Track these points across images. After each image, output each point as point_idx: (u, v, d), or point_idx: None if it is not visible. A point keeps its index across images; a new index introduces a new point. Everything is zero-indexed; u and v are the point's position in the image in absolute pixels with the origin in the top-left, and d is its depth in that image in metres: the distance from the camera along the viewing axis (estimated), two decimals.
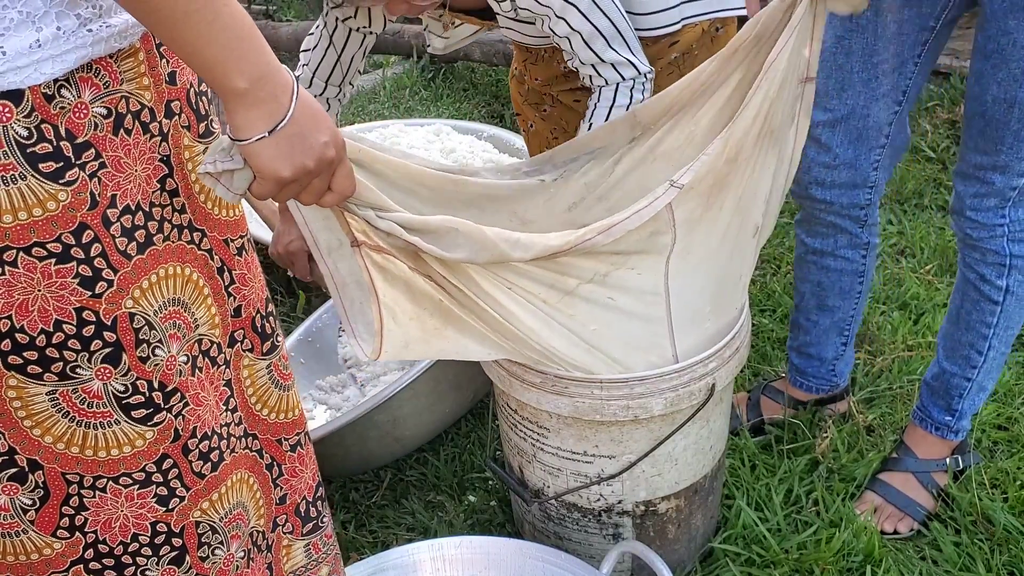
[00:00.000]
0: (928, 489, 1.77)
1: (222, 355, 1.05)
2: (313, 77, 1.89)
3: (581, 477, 1.53)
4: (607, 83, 1.66)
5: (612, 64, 1.63)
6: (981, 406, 1.78)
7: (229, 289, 1.05)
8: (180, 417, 0.98)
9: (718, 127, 1.41)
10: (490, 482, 1.91)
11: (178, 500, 1.01)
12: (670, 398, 1.42)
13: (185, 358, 0.98)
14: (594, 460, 1.51)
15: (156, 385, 0.95)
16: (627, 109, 1.67)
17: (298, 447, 1.17)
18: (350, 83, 1.93)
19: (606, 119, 1.64)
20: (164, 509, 1.00)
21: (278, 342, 1.13)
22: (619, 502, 1.55)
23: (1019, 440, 1.92)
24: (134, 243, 0.91)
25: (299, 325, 2.25)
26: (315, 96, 2.04)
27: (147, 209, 0.93)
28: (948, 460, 1.79)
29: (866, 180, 1.69)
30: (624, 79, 1.65)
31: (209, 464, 1.03)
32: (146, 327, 0.93)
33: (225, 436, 1.05)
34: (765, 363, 2.20)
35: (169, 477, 0.99)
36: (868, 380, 2.11)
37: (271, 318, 1.11)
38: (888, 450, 1.88)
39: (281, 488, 1.17)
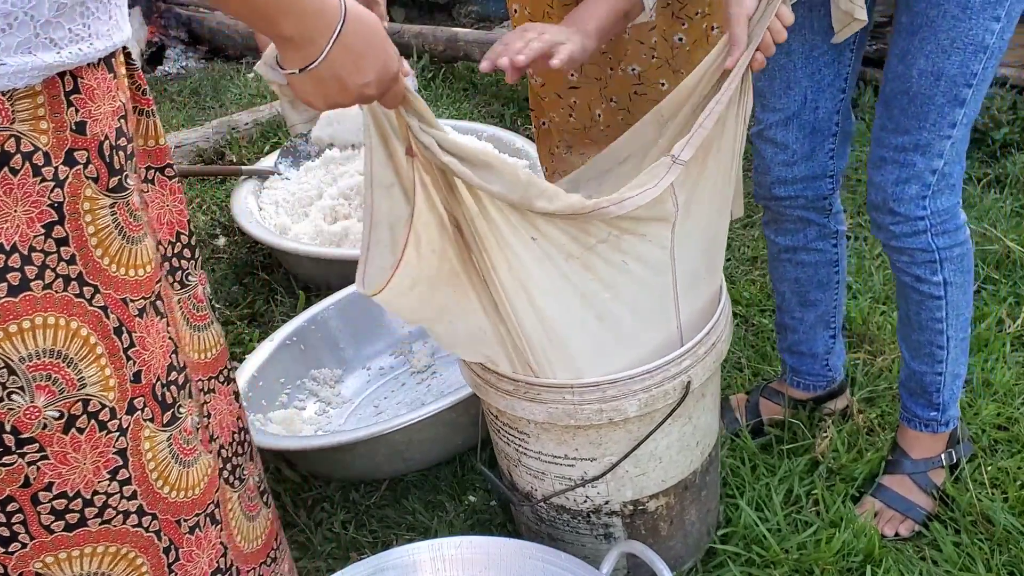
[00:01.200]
0: (926, 490, 1.77)
1: (115, 421, 0.99)
2: None
3: (565, 480, 1.53)
4: None
5: None
6: (960, 393, 1.78)
7: (128, 352, 0.99)
8: (34, 467, 0.94)
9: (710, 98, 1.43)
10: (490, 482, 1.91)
11: (20, 545, 0.97)
12: (643, 399, 1.42)
13: (57, 414, 0.94)
14: (576, 463, 1.51)
15: (8, 428, 0.92)
16: None
17: (196, 529, 1.10)
18: None
19: None
20: (3, 550, 0.97)
21: (180, 413, 1.06)
22: (606, 503, 1.55)
23: (1019, 440, 1.92)
24: (5, 284, 0.88)
25: (305, 311, 2.26)
26: None
27: (25, 252, 0.90)
28: (943, 456, 1.79)
29: (825, 170, 1.72)
30: None
31: (63, 523, 0.98)
32: (5, 370, 0.90)
33: (98, 505, 1.00)
34: (765, 363, 2.19)
35: (13, 520, 0.96)
36: (868, 380, 2.10)
37: (173, 387, 1.05)
38: (887, 450, 1.88)
39: (175, 574, 1.10)
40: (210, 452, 1.11)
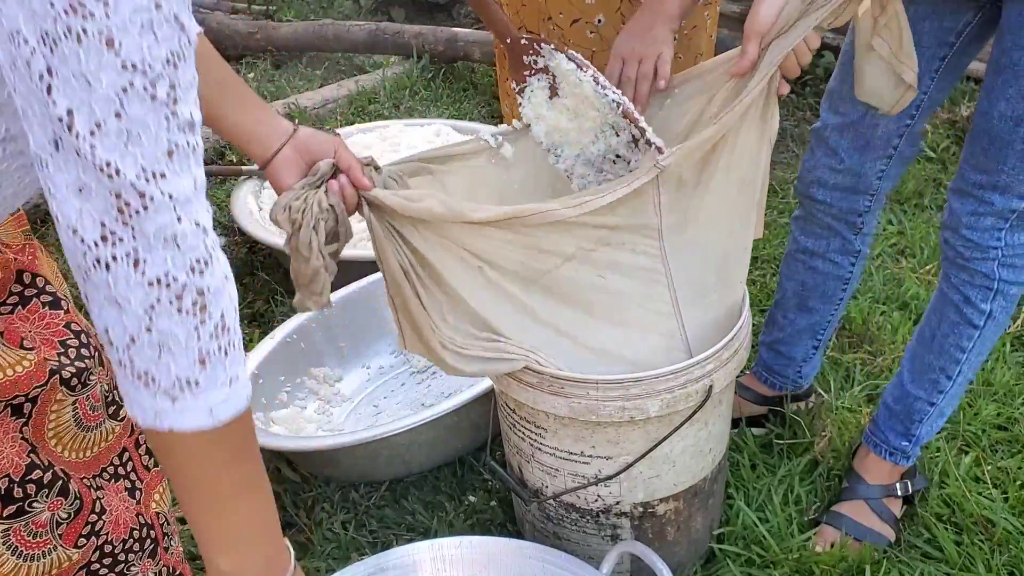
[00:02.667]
0: (883, 517, 1.73)
1: None
2: None
3: (579, 478, 1.53)
4: None
5: None
6: (934, 436, 1.74)
7: None
8: None
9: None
10: (490, 482, 1.91)
11: None
12: (666, 399, 1.42)
13: None
14: (591, 461, 1.51)
15: None
16: None
17: None
18: None
19: None
20: None
21: (31, 508, 0.99)
22: (617, 503, 1.55)
23: (1019, 440, 1.92)
24: None
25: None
26: None
27: None
28: (897, 485, 1.75)
29: (868, 187, 1.69)
30: None
31: None
32: None
33: None
34: None
35: None
36: (868, 379, 2.11)
37: (31, 486, 0.98)
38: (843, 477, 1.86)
39: None
40: (78, 547, 1.06)
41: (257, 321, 2.52)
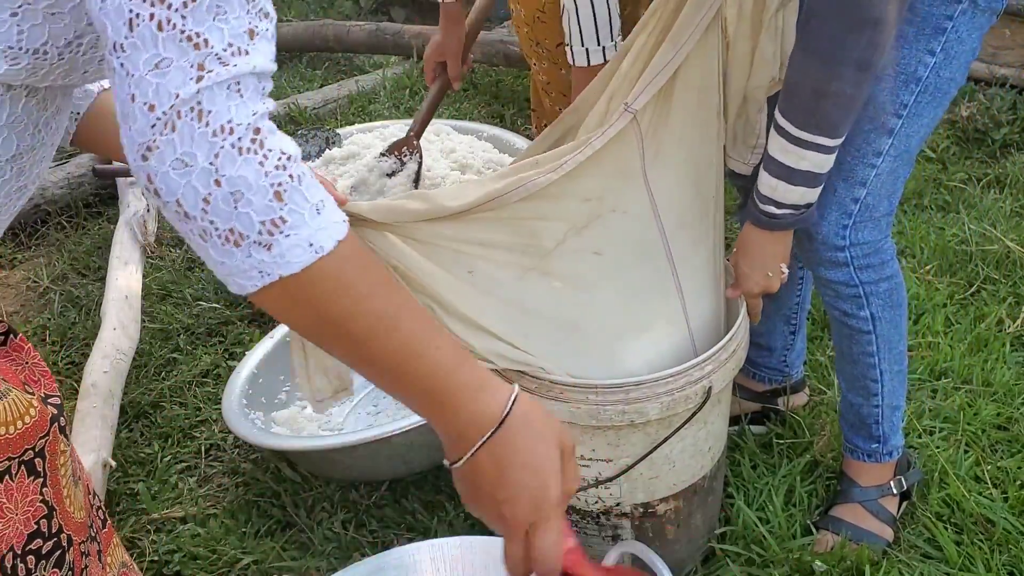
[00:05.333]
0: (880, 517, 1.72)
1: None
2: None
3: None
4: None
5: None
6: (901, 424, 1.74)
7: None
8: None
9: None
10: None
11: None
12: (666, 402, 1.41)
13: None
14: (591, 464, 1.50)
15: None
16: None
17: None
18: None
19: None
20: None
21: None
22: (617, 504, 1.55)
23: (1019, 440, 1.92)
24: None
25: None
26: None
27: None
28: (892, 483, 1.75)
29: None
30: None
31: None
32: None
33: None
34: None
35: None
36: None
37: (31, 557, 0.90)
38: (836, 481, 1.86)
39: None
40: None
41: (257, 321, 2.52)
